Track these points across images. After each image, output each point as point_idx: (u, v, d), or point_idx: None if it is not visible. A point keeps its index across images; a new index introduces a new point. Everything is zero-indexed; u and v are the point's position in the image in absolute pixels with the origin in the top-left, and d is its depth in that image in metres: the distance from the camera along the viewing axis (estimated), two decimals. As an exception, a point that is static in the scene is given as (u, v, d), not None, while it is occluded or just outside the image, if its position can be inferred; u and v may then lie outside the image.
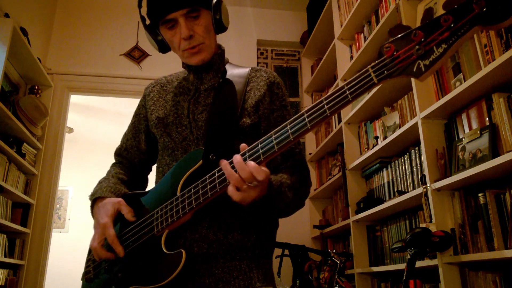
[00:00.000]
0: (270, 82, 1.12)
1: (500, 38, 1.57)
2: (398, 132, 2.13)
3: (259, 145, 0.84)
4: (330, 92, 0.77)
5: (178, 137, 1.08)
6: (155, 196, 1.04)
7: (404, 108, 2.25)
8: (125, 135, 1.27)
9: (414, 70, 0.68)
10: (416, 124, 1.96)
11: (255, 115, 1.07)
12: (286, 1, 3.91)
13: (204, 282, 0.96)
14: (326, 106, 0.76)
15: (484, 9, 0.62)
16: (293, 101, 3.82)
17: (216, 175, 0.88)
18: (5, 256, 2.60)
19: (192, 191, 0.92)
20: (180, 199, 0.94)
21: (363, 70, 0.72)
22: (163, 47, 1.12)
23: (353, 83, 0.73)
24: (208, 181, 0.89)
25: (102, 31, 3.58)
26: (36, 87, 3.12)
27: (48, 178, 3.15)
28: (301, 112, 0.79)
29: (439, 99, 1.83)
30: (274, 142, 0.81)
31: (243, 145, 0.86)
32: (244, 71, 1.15)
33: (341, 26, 3.07)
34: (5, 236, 2.63)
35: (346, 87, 0.74)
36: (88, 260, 1.12)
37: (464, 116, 1.80)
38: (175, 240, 0.97)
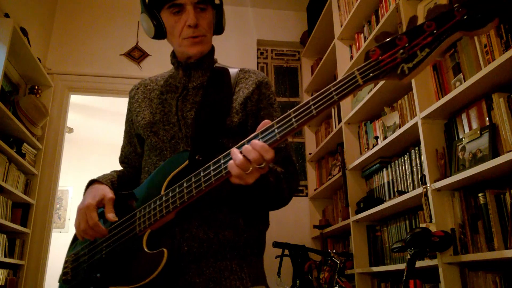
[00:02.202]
0: (259, 81, 1.12)
1: (500, 38, 1.57)
2: (398, 132, 2.13)
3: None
4: (317, 93, 0.78)
5: (166, 135, 1.07)
6: (139, 196, 1.03)
7: (404, 108, 2.25)
8: (122, 143, 1.28)
9: (398, 72, 0.71)
10: (416, 124, 1.96)
11: (243, 112, 1.07)
12: (286, 1, 3.91)
13: (195, 281, 0.95)
14: (313, 107, 0.77)
15: (465, 17, 0.66)
16: (293, 101, 3.82)
17: (202, 174, 0.88)
18: (5, 256, 2.60)
19: (177, 190, 0.92)
20: (164, 199, 0.94)
21: (350, 73, 0.75)
22: (160, 33, 1.12)
23: (339, 84, 0.76)
24: (193, 180, 0.89)
25: (102, 31, 3.58)
26: (36, 87, 3.12)
27: (48, 178, 3.15)
28: (288, 112, 0.80)
29: (439, 99, 1.83)
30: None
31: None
32: (233, 71, 1.15)
33: (341, 26, 3.07)
34: (5, 236, 2.63)
35: (332, 88, 0.76)
36: (65, 262, 1.10)
37: (464, 116, 1.80)
38: (164, 239, 0.96)
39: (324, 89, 0.77)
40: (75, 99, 3.93)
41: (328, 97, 0.76)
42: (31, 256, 2.93)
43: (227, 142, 1.03)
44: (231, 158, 0.83)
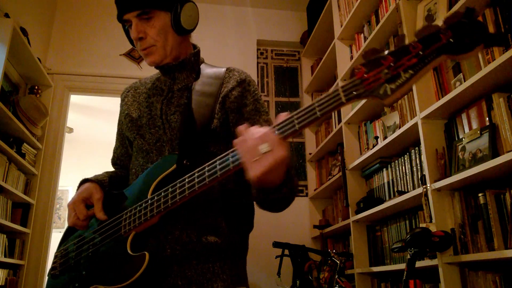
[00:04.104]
0: (241, 79, 1.11)
1: (500, 38, 1.57)
2: (398, 132, 2.13)
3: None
4: (301, 108, 0.78)
5: (152, 138, 1.08)
6: (128, 197, 1.04)
7: (404, 108, 2.25)
8: (115, 144, 1.29)
9: (381, 92, 0.69)
10: (416, 124, 1.96)
11: (222, 111, 1.06)
12: (286, 1, 3.91)
13: (177, 283, 0.96)
14: (296, 121, 0.77)
15: (451, 40, 0.64)
16: (293, 101, 3.82)
17: (186, 180, 0.89)
18: (5, 256, 2.60)
19: (162, 195, 0.93)
20: (149, 202, 0.95)
21: (334, 90, 0.74)
22: (133, 44, 1.15)
23: (323, 101, 0.75)
24: (178, 186, 0.91)
25: (102, 31, 3.58)
26: (36, 87, 3.13)
27: (48, 178, 3.15)
28: (272, 126, 0.79)
29: (439, 99, 1.83)
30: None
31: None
32: (220, 71, 1.14)
33: (341, 26, 3.07)
34: (5, 236, 2.63)
35: (316, 104, 0.76)
36: (55, 257, 1.12)
37: (464, 116, 1.80)
38: (147, 241, 0.97)
39: (308, 105, 0.77)
40: (75, 99, 3.93)
41: (311, 113, 0.76)
42: (31, 256, 2.93)
43: (212, 146, 1.04)
44: (215, 167, 0.84)
